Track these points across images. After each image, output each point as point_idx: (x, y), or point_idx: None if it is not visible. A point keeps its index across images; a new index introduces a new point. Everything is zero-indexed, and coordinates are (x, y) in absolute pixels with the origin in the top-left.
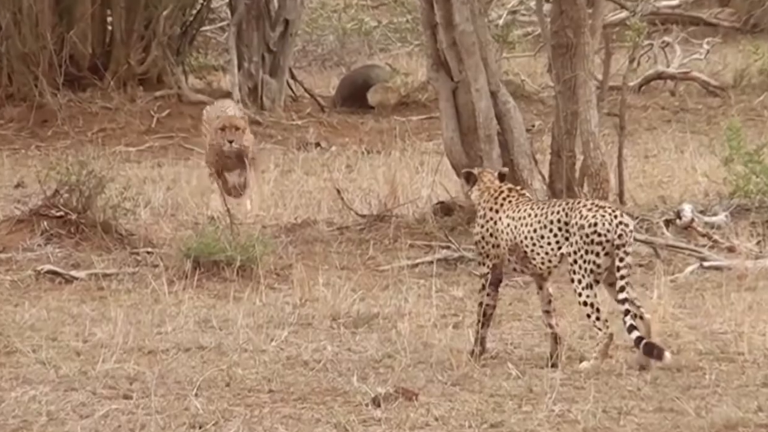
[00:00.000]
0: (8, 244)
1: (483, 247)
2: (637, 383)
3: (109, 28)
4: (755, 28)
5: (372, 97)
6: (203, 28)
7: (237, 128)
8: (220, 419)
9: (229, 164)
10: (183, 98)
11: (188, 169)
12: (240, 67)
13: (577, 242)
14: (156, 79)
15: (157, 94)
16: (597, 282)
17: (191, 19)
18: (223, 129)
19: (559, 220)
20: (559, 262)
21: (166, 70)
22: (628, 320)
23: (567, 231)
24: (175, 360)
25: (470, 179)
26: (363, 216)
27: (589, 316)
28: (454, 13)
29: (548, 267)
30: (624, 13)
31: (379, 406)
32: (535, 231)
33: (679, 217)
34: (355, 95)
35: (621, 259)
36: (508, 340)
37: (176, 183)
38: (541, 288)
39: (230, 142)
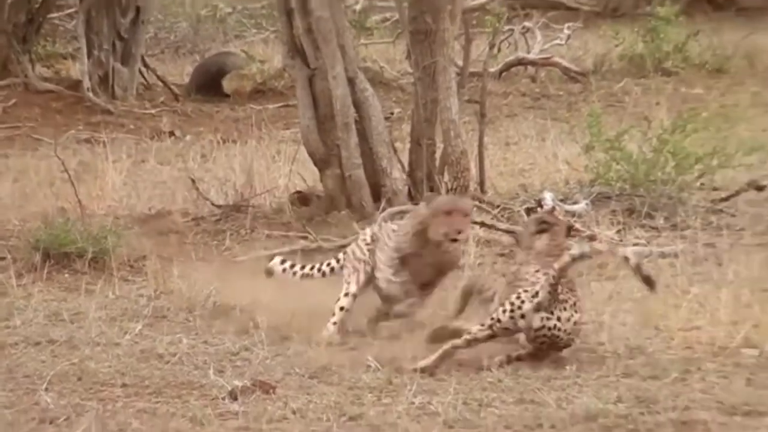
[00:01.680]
0: None
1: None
2: (498, 375)
3: None
4: (615, 13)
5: (227, 84)
6: (50, 15)
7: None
8: (71, 414)
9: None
10: (30, 87)
11: (36, 160)
12: (90, 55)
13: None
14: (1, 67)
15: (3, 83)
16: None
17: (38, 6)
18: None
19: None
20: None
21: (11, 58)
22: None
23: None
24: (25, 354)
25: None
26: (219, 206)
27: None
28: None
29: None
30: None
31: (236, 399)
32: None
33: (540, 206)
34: (209, 83)
35: None
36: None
37: (24, 174)
38: None
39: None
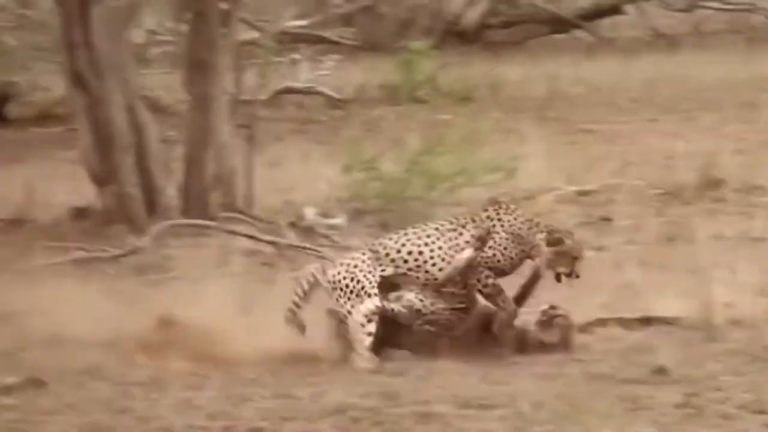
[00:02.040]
0: None
1: None
2: (258, 372)
3: None
4: (374, 47)
5: (11, 110)
6: None
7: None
8: None
9: None
10: None
11: None
12: None
13: None
14: None
15: None
16: None
17: None
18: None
19: None
20: None
21: None
22: None
23: None
24: None
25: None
26: (0, 220)
27: None
28: (92, 34)
29: None
30: (256, 33)
31: (9, 394)
32: None
33: (302, 220)
34: None
35: None
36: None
37: None
38: None
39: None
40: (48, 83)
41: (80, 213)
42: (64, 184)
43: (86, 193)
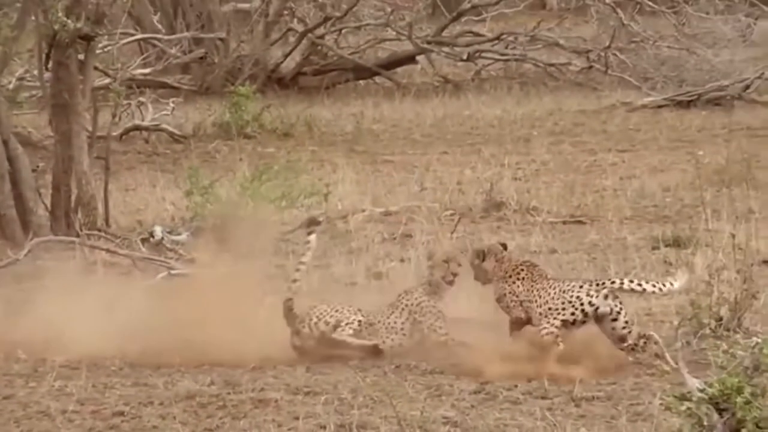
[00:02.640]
0: None
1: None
2: (119, 364)
3: None
4: (208, 91)
5: None
6: None
7: None
8: None
9: None
10: None
11: None
12: None
13: None
14: None
15: None
16: None
17: None
18: None
19: None
20: None
21: None
22: None
23: None
24: None
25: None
26: None
27: None
28: None
29: None
30: (108, 79)
31: None
32: None
33: (152, 236)
34: None
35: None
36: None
37: None
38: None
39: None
40: None
41: None
42: None
43: None
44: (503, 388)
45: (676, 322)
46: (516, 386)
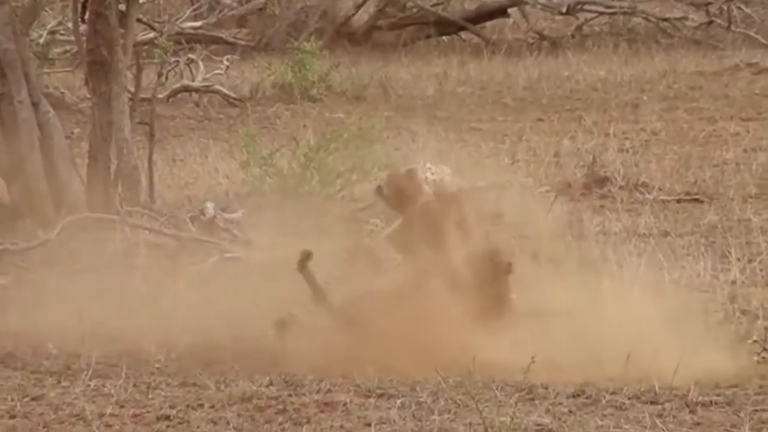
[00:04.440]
0: None
1: None
2: (164, 361)
3: None
4: (267, 47)
5: None
6: None
7: None
8: None
9: None
10: None
11: None
12: None
13: None
14: None
15: None
16: None
17: None
18: None
19: None
20: None
21: None
22: None
23: None
24: None
25: None
26: None
27: None
28: None
29: None
30: (153, 33)
31: None
32: None
33: (203, 214)
34: None
35: None
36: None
37: None
38: None
39: None
40: None
41: None
42: None
43: None
44: (606, 391)
45: None
46: (622, 389)
